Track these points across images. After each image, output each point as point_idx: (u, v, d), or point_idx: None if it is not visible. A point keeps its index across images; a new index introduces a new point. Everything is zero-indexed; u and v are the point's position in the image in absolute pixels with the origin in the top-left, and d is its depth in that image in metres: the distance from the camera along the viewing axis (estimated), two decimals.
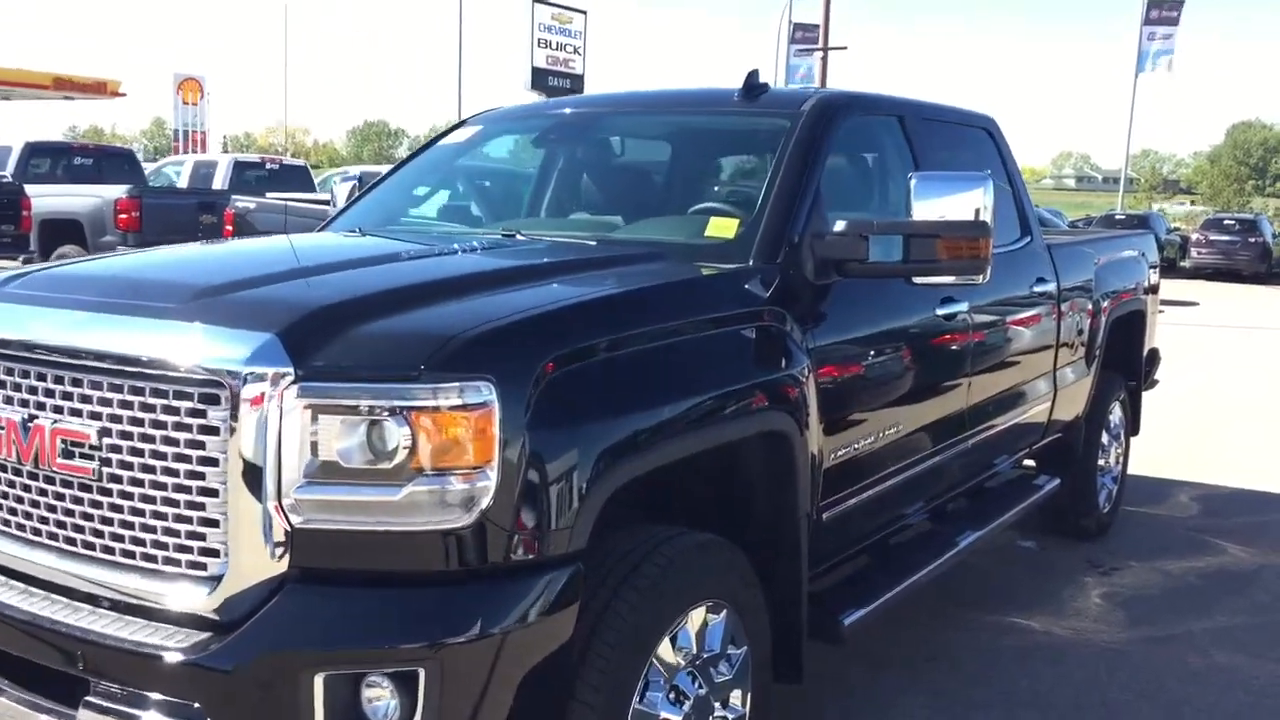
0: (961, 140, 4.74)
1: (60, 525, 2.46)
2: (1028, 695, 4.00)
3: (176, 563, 2.33)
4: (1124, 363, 6.05)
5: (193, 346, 2.30)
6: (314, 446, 2.20)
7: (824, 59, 29.62)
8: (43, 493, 2.47)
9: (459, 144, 4.45)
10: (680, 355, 2.74)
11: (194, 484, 2.29)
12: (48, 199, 13.81)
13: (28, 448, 2.44)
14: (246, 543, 2.23)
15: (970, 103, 5.12)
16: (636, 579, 2.50)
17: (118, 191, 13.54)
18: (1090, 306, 5.37)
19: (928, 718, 3.81)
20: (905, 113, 4.21)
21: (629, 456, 2.46)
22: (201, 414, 2.27)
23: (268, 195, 13.47)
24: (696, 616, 2.68)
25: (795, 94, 4.11)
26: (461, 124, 4.52)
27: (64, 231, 13.67)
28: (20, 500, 2.52)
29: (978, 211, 3.18)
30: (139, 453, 2.33)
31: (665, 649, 2.58)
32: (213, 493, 2.27)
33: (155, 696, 2.24)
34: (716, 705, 2.76)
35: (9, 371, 2.51)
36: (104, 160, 17.03)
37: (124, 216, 13.22)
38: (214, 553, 2.29)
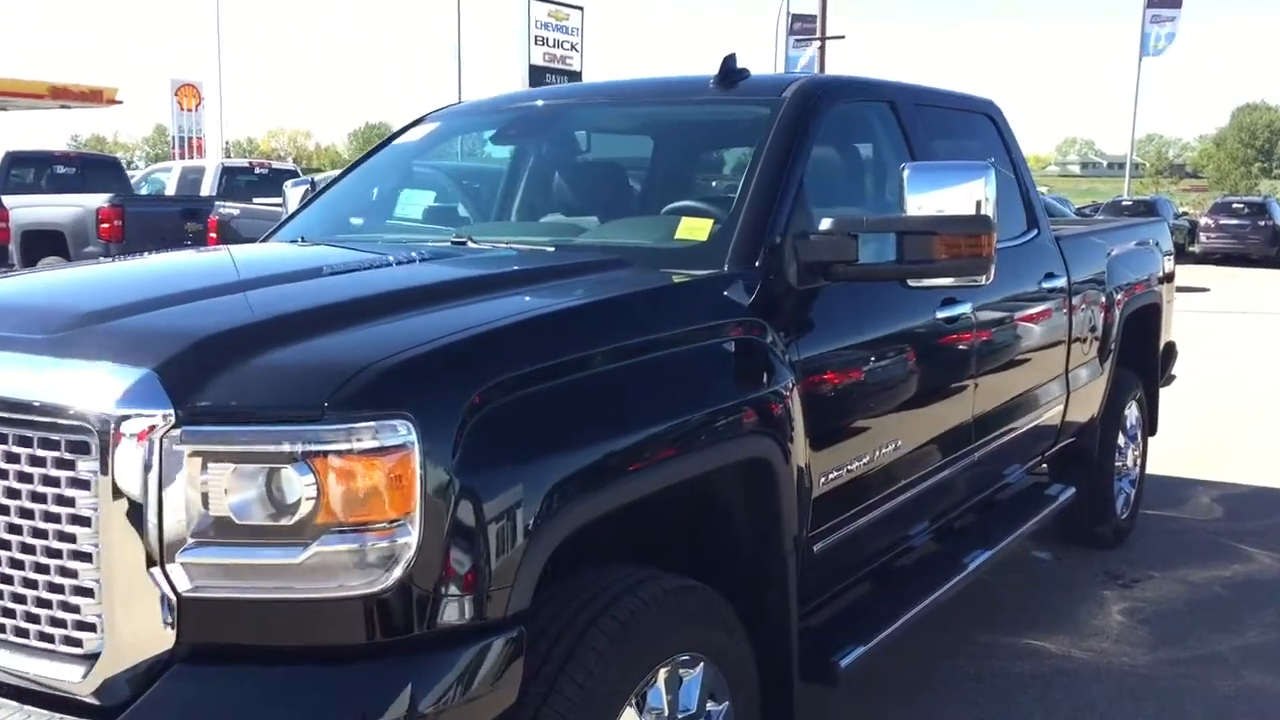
0: (961, 127, 4.43)
1: None
2: None
3: (50, 638, 2.00)
4: (1140, 359, 5.73)
5: (58, 386, 1.97)
6: (204, 499, 1.87)
7: (821, 49, 29.20)
8: None
9: (415, 142, 4.11)
10: (641, 378, 2.39)
11: (65, 547, 1.96)
12: (29, 209, 13.43)
13: None
14: (124, 615, 1.91)
15: (972, 89, 4.78)
16: (594, 637, 2.17)
17: (99, 200, 13.19)
18: (1103, 301, 5.06)
19: None
20: (898, 98, 3.86)
21: (579, 499, 2.13)
22: (69, 465, 1.94)
23: (254, 201, 13.16)
24: (667, 672, 2.35)
25: (776, 79, 3.75)
26: (418, 121, 4.18)
27: (46, 242, 13.28)
28: None
29: (979, 204, 2.84)
30: (4, 510, 2.00)
31: (629, 716, 2.24)
32: (85, 557, 1.94)
33: None
34: None
35: None
36: (88, 169, 16.72)
37: (106, 226, 12.85)
38: (90, 626, 1.96)
